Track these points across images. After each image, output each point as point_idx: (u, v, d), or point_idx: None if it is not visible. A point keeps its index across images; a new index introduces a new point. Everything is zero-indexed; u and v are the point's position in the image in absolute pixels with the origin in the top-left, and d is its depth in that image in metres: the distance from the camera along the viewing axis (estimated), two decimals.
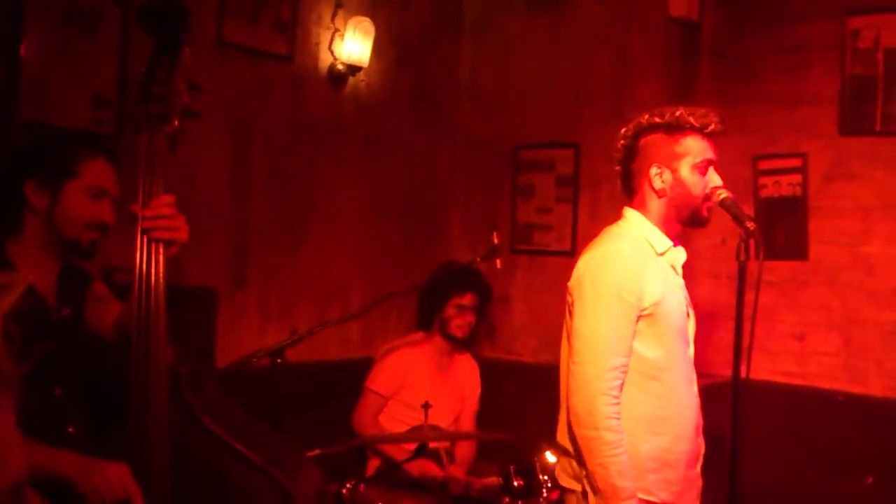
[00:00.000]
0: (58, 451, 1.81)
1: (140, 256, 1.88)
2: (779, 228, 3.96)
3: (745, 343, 2.12)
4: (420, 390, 3.70)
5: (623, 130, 2.44)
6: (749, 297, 2.16)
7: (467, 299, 3.87)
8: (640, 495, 2.26)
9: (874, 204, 3.77)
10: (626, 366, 2.27)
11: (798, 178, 3.94)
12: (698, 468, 2.41)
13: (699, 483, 2.41)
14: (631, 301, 2.28)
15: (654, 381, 2.30)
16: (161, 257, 1.89)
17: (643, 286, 2.29)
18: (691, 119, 2.34)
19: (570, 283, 2.41)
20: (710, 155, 2.36)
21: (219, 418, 1.97)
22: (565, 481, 2.41)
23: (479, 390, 4.09)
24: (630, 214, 2.43)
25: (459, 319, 3.87)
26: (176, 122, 1.93)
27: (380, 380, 3.80)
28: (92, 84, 3.21)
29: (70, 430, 1.94)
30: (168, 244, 1.91)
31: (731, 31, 4.22)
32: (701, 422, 2.43)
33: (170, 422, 1.86)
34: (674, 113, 2.36)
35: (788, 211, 3.96)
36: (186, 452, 1.89)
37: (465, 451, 3.87)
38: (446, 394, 3.89)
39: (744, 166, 4.01)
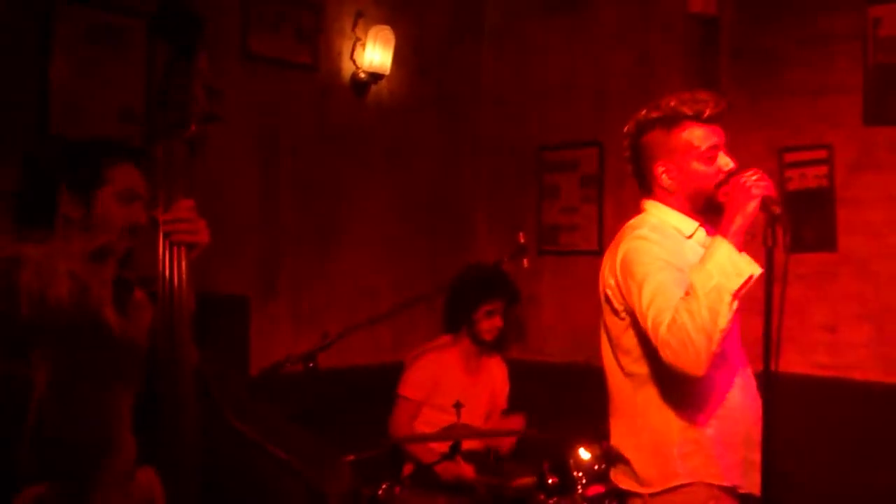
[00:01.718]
0: None
1: (162, 260, 1.92)
2: (807, 221, 3.94)
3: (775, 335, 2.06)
4: (450, 393, 3.71)
5: (626, 129, 2.35)
6: (777, 289, 2.11)
7: (496, 304, 3.89)
8: (710, 480, 2.18)
9: None
10: None
11: (824, 169, 3.92)
12: (759, 452, 2.20)
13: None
14: (679, 266, 2.17)
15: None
16: (183, 261, 1.93)
17: (681, 266, 2.19)
18: (684, 109, 2.24)
19: (604, 288, 2.30)
20: (714, 140, 2.25)
21: (248, 418, 2.00)
22: (627, 485, 2.29)
23: (507, 389, 4.10)
24: (649, 205, 2.36)
25: (488, 324, 3.87)
26: (194, 128, 1.97)
27: (410, 385, 3.83)
28: (120, 98, 3.28)
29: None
30: (189, 247, 1.95)
31: (750, 25, 4.22)
32: (759, 402, 2.24)
33: (198, 422, 1.89)
34: (668, 104, 2.25)
35: (815, 203, 3.94)
36: (216, 453, 1.92)
37: (505, 448, 3.89)
38: (476, 395, 3.91)
39: (770, 159, 4.00)
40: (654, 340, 2.10)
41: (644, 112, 2.29)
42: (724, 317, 2.03)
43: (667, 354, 2.06)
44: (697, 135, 2.24)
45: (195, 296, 2.01)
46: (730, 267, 2.06)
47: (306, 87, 4.08)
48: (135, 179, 2.10)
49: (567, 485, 3.11)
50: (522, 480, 3.34)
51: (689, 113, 2.24)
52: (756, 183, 2.13)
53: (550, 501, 3.06)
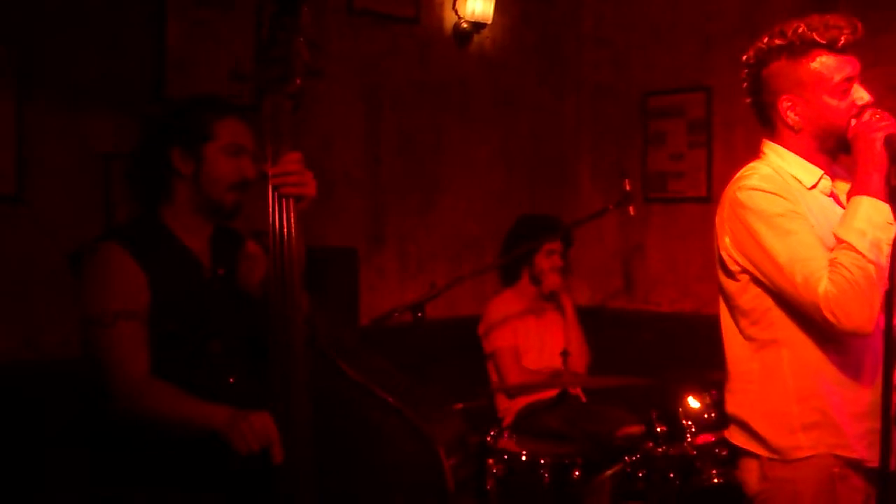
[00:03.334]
0: (207, 405, 1.95)
1: (273, 212, 1.98)
2: None
3: None
4: (526, 336, 3.82)
5: (744, 58, 2.12)
6: None
7: (556, 245, 3.89)
8: (840, 453, 2.04)
9: None
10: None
11: None
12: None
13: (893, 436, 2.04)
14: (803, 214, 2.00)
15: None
16: (292, 213, 1.99)
17: (808, 216, 2.02)
18: (815, 35, 2.01)
19: (718, 249, 2.14)
20: (848, 71, 2.03)
21: (358, 365, 2.07)
22: (744, 443, 2.14)
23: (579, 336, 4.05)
24: (769, 149, 2.15)
25: (549, 263, 3.89)
26: (298, 82, 2.01)
27: (498, 334, 3.87)
28: (231, 58, 3.36)
29: (231, 380, 2.08)
30: (298, 199, 2.01)
31: None
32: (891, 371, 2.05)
33: (309, 368, 1.95)
34: (796, 30, 2.02)
35: None
36: (326, 398, 1.99)
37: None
38: (551, 337, 3.93)
39: (889, 98, 3.80)
40: (807, 298, 1.94)
41: (766, 39, 2.07)
42: (886, 269, 1.87)
43: (832, 313, 1.91)
44: (830, 65, 2.03)
45: (305, 248, 2.08)
46: (879, 218, 1.94)
47: (409, 39, 4.10)
48: (241, 133, 2.16)
49: (676, 433, 3.10)
50: (630, 429, 3.34)
51: (821, 41, 2.02)
52: (877, 122, 1.98)
53: (659, 450, 3.05)
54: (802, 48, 2.04)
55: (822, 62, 2.04)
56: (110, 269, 2.03)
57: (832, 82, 2.04)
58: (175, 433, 1.96)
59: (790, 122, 2.08)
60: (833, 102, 2.04)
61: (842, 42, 2.03)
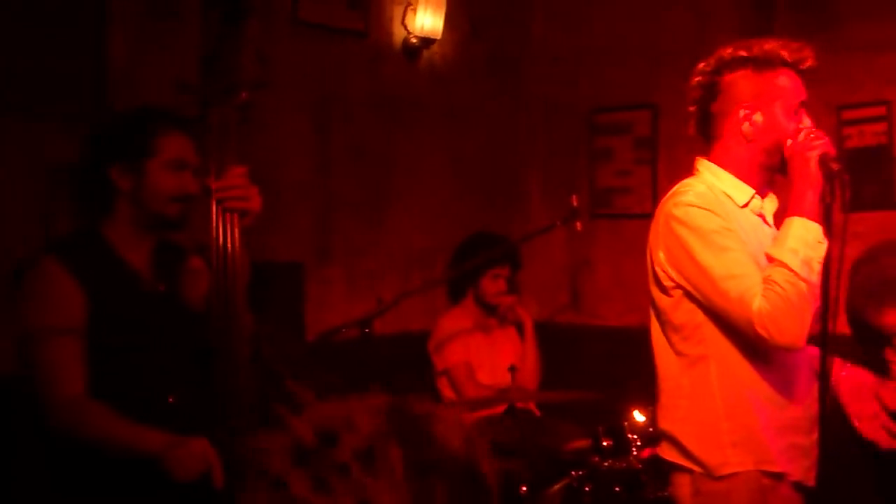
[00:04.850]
0: (144, 430, 1.91)
1: (216, 227, 1.97)
2: (865, 179, 3.86)
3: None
4: (473, 353, 3.85)
5: (701, 66, 2.12)
6: (836, 248, 2.04)
7: (502, 269, 3.92)
8: (765, 468, 2.06)
9: None
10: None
11: (883, 126, 3.82)
12: (815, 435, 2.09)
13: (815, 451, 2.08)
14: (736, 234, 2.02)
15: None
16: (236, 227, 1.98)
17: (740, 234, 2.04)
18: (784, 53, 2.05)
19: (652, 264, 2.14)
20: (802, 95, 2.07)
21: (303, 382, 2.04)
22: (674, 457, 2.14)
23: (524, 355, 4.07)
24: (703, 167, 2.16)
25: (494, 287, 3.92)
26: (244, 94, 1.99)
27: (449, 351, 3.88)
28: (176, 69, 3.32)
29: (170, 399, 2.04)
30: (242, 214, 1.99)
31: None
32: (815, 384, 2.10)
33: (254, 386, 1.94)
34: (762, 46, 2.06)
35: (874, 160, 3.86)
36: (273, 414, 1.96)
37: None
38: (496, 354, 3.95)
39: (828, 117, 3.91)
40: (741, 314, 1.96)
41: (730, 50, 2.09)
42: (816, 286, 1.95)
43: (765, 329, 1.93)
44: (791, 84, 2.06)
45: (250, 263, 2.05)
46: (811, 237, 1.98)
47: (358, 53, 4.09)
48: (185, 148, 2.13)
49: (622, 447, 3.12)
50: (577, 443, 3.36)
51: (790, 59, 2.06)
52: (812, 141, 2.02)
53: (605, 464, 3.07)
54: (768, 63, 2.06)
55: (786, 80, 2.07)
56: (47, 284, 1.99)
57: (790, 101, 2.07)
58: (112, 455, 1.91)
59: (745, 131, 2.08)
60: (787, 121, 2.07)
61: (806, 64, 2.08)
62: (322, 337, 3.22)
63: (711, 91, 2.11)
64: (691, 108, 2.18)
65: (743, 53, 2.08)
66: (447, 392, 3.88)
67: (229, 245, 1.97)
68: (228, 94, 2.00)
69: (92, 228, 2.12)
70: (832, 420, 2.07)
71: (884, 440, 2.23)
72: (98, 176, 2.10)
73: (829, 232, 2.00)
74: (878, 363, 2.41)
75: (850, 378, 2.22)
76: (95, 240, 2.10)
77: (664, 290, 2.13)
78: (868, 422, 2.21)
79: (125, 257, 2.10)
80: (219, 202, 1.97)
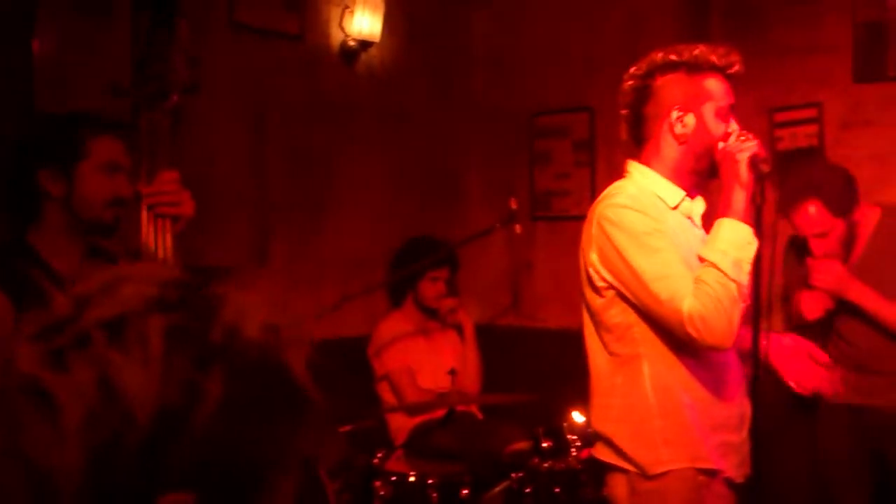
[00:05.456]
0: None
1: (147, 233, 1.93)
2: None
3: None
4: (413, 357, 3.85)
5: (633, 69, 2.17)
6: (767, 249, 2.09)
7: (441, 272, 3.94)
8: (698, 465, 2.09)
9: (890, 150, 3.74)
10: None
11: (814, 128, 3.91)
12: (745, 432, 2.16)
13: (746, 447, 2.16)
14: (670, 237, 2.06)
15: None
16: (168, 233, 1.95)
17: (671, 236, 2.08)
18: (713, 58, 2.10)
19: (585, 265, 2.16)
20: (731, 99, 2.13)
21: None
22: (609, 458, 2.17)
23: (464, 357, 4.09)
24: (634, 169, 2.20)
25: (433, 290, 3.94)
26: (176, 98, 1.96)
27: (389, 356, 3.87)
28: (107, 71, 3.26)
29: None
30: (174, 219, 1.96)
31: None
32: (744, 382, 2.18)
33: None
34: (692, 51, 2.11)
35: (806, 162, 3.94)
36: None
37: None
38: (436, 358, 3.95)
39: (760, 119, 3.99)
40: (672, 315, 1.99)
41: (661, 54, 2.14)
42: (745, 287, 2.00)
43: (696, 329, 1.96)
44: (721, 88, 2.12)
45: (183, 269, 2.01)
46: (740, 238, 2.02)
47: (294, 56, 4.05)
48: (116, 151, 2.09)
49: (561, 448, 3.14)
50: (517, 445, 3.37)
51: (719, 64, 2.11)
52: (742, 144, 2.06)
53: (545, 465, 3.09)
54: (699, 67, 2.11)
55: (716, 84, 2.12)
56: None
57: (721, 104, 2.12)
58: None
59: (677, 133, 2.12)
60: (717, 123, 2.11)
61: (734, 70, 2.13)
62: None
63: (644, 94, 2.16)
64: (624, 112, 2.22)
65: (674, 57, 2.12)
66: (388, 397, 3.87)
67: (161, 251, 1.94)
68: (159, 98, 1.96)
69: (18, 237, 2.06)
70: (767, 388, 2.14)
71: (825, 388, 2.37)
72: (26, 181, 2.04)
73: (759, 233, 2.05)
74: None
75: (774, 343, 2.28)
76: (22, 249, 2.04)
77: (597, 290, 2.15)
78: (802, 376, 2.32)
79: (53, 265, 2.05)
80: (150, 207, 1.94)
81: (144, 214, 1.94)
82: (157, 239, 1.93)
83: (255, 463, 0.77)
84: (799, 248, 3.11)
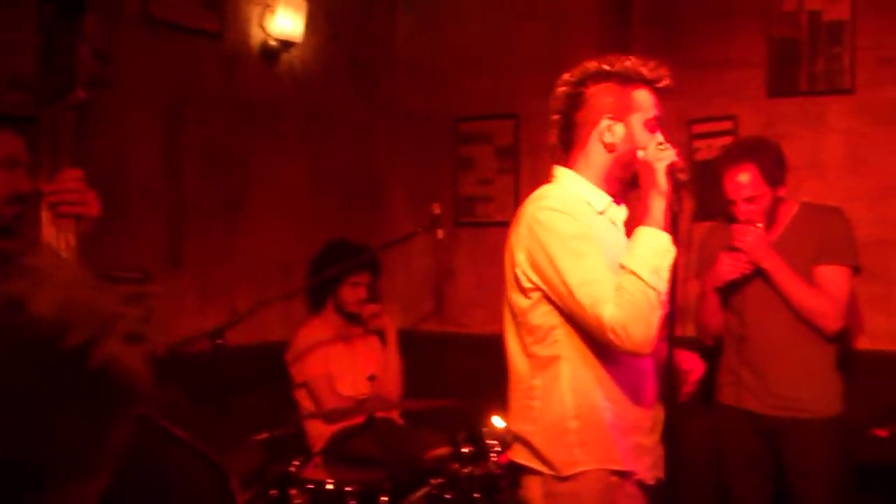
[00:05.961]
0: None
1: (48, 233, 1.85)
2: (714, 190, 4.01)
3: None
4: (334, 363, 3.80)
5: (566, 76, 2.21)
6: (683, 256, 2.13)
7: (362, 276, 3.89)
8: (609, 466, 2.12)
9: (802, 162, 3.84)
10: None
11: (730, 139, 4.00)
12: (658, 436, 2.23)
13: (659, 450, 2.23)
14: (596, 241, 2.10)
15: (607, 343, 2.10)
16: (71, 233, 1.88)
17: (598, 241, 2.11)
18: (644, 71, 2.16)
19: (512, 266, 2.18)
20: (659, 112, 2.20)
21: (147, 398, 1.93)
22: (527, 461, 2.19)
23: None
24: (561, 174, 2.24)
25: (354, 295, 3.89)
26: (81, 93, 1.88)
27: (308, 363, 3.80)
28: (9, 64, 3.12)
29: None
30: (77, 219, 1.88)
31: None
32: (658, 387, 2.24)
33: None
34: (623, 63, 2.17)
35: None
36: None
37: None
38: (356, 364, 3.91)
39: (679, 130, 4.05)
40: (594, 319, 2.02)
41: (594, 64, 2.18)
42: (664, 293, 2.04)
43: (616, 335, 2.00)
44: (650, 100, 2.18)
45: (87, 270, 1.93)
46: (659, 246, 2.06)
47: (213, 54, 3.95)
48: (15, 145, 2.02)
49: (481, 453, 3.12)
50: (437, 451, 3.35)
51: (649, 77, 2.17)
52: (660, 153, 2.11)
53: (465, 470, 3.07)
54: (630, 78, 2.17)
55: (645, 95, 2.18)
56: None
57: (649, 115, 2.17)
58: None
59: (606, 141, 2.17)
60: (644, 134, 2.16)
61: (662, 83, 2.19)
62: (170, 349, 3.08)
63: (575, 101, 2.20)
64: (554, 117, 2.25)
65: (606, 67, 2.17)
66: (306, 403, 3.80)
67: (63, 252, 1.86)
68: (63, 93, 1.88)
69: None
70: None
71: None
72: None
73: (677, 240, 2.09)
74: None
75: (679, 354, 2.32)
76: None
77: (523, 291, 2.17)
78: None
79: None
80: (51, 206, 1.86)
81: (45, 213, 1.86)
82: (58, 239, 1.85)
83: (34, 461, 0.68)
84: (722, 234, 3.23)
